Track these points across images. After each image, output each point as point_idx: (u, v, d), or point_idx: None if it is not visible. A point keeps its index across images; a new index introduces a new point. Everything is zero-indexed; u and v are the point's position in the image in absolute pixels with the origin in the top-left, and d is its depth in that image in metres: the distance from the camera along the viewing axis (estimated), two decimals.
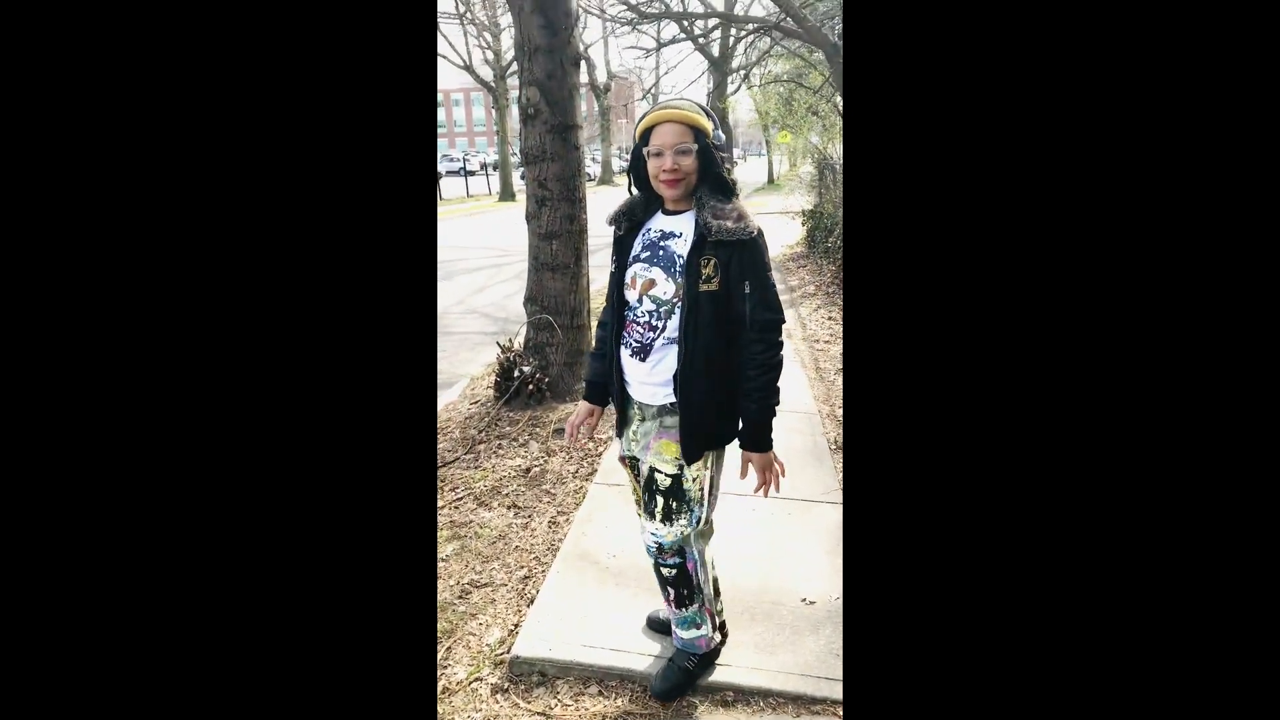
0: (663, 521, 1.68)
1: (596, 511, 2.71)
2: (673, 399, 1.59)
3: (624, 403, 1.72)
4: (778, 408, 1.57)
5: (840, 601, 2.13)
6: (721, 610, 1.90)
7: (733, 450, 1.67)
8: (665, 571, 1.74)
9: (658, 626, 2.01)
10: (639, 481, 1.73)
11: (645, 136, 1.56)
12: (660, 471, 1.65)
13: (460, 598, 2.30)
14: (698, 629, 1.81)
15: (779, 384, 1.56)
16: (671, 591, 1.76)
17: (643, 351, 1.61)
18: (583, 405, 1.81)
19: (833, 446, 3.32)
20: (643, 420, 1.69)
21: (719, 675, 1.84)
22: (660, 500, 1.66)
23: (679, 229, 1.59)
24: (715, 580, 1.85)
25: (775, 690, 1.80)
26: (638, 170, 1.61)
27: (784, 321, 1.56)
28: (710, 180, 1.55)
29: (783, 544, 2.46)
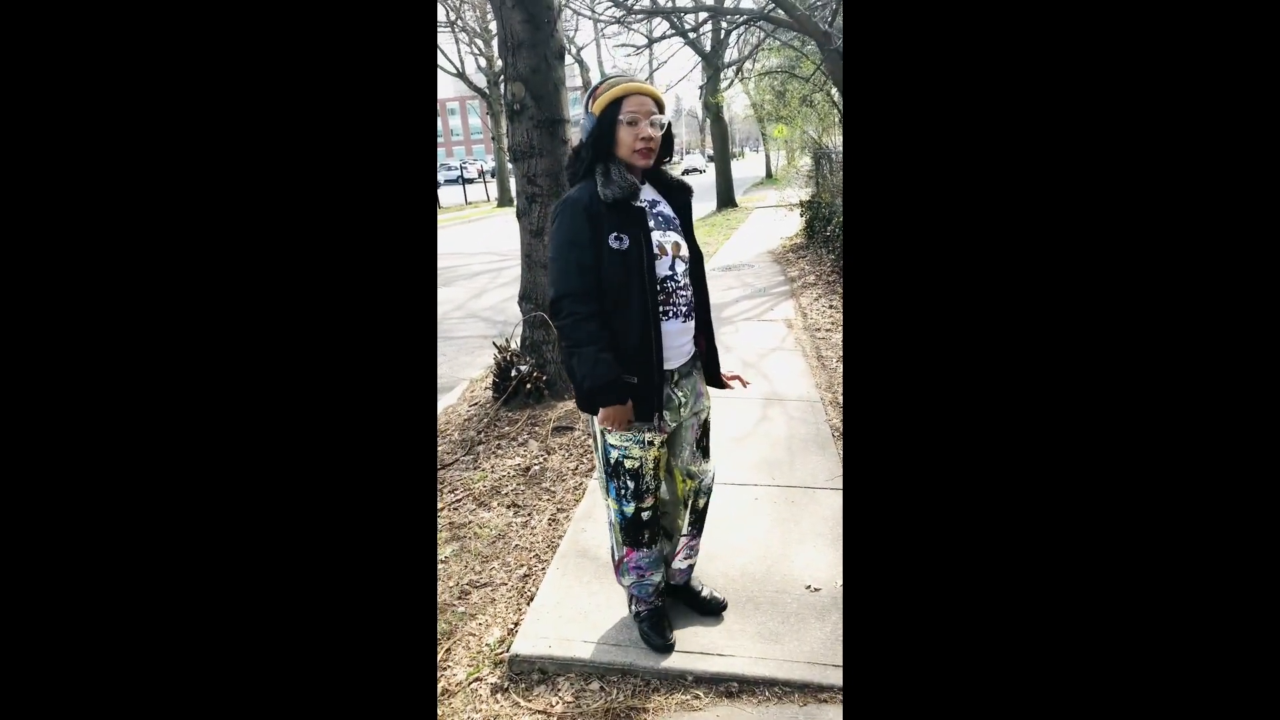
0: (707, 455, 1.87)
1: (596, 507, 2.67)
2: (692, 346, 1.75)
3: (662, 379, 1.63)
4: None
5: None
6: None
7: None
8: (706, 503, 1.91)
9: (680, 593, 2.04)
10: (696, 432, 1.82)
11: (614, 106, 1.55)
12: (708, 410, 1.84)
13: (460, 598, 2.26)
14: None
15: None
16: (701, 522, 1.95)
17: (689, 312, 1.70)
18: (622, 409, 1.61)
19: (835, 434, 3.26)
20: (678, 381, 1.72)
21: (722, 665, 1.80)
22: (707, 437, 1.86)
23: (652, 194, 1.71)
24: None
25: (780, 679, 1.75)
26: (603, 140, 1.59)
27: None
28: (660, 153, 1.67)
29: (786, 532, 2.41)
